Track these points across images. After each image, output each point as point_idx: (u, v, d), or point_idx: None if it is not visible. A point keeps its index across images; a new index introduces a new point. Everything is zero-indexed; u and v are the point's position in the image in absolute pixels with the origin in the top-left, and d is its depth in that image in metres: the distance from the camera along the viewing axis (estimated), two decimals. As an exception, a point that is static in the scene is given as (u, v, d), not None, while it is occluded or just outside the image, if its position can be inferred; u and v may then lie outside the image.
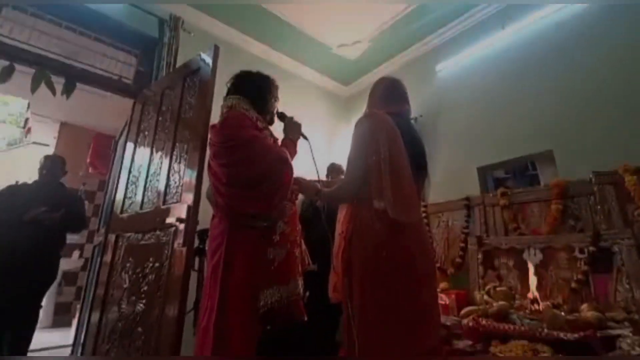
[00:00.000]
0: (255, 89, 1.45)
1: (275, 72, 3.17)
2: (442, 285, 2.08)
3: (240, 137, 1.22)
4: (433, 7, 2.65)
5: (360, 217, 1.07)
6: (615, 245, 1.59)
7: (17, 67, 2.02)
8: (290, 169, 1.26)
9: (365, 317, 0.96)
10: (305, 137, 1.49)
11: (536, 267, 1.80)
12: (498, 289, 1.76)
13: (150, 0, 2.41)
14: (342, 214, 1.25)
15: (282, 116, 1.52)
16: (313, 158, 1.42)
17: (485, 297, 1.73)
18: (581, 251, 1.69)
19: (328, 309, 1.49)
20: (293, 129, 1.46)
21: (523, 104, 2.29)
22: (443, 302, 1.84)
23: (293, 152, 1.40)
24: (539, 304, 1.53)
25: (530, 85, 2.28)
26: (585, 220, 1.78)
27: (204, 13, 2.68)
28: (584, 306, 1.43)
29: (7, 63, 1.99)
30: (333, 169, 2.89)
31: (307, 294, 1.39)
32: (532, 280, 1.68)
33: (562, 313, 1.40)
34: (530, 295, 1.61)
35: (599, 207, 1.71)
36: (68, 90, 2.10)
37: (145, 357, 1.35)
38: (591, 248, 1.65)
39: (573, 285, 1.64)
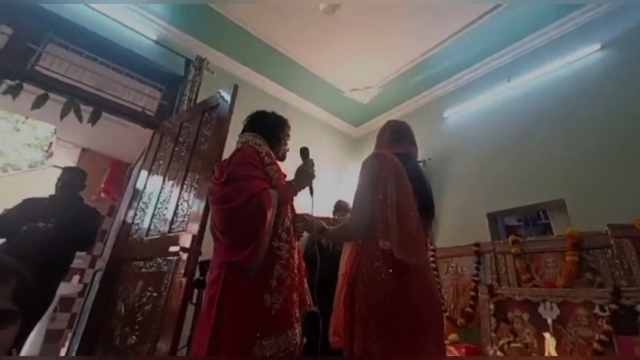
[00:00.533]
0: (269, 126, 1.47)
1: (289, 110, 3.36)
2: (452, 337, 1.95)
3: (235, 173, 1.17)
4: (442, 59, 2.81)
5: (365, 256, 1.04)
6: (639, 304, 1.49)
7: (50, 95, 2.18)
8: (264, 214, 1.12)
9: None
10: (311, 191, 1.37)
11: (553, 322, 1.68)
12: (512, 345, 1.63)
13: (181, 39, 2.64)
14: (346, 254, 1.22)
15: (304, 153, 1.44)
16: (312, 214, 1.35)
17: (499, 353, 1.60)
18: (602, 308, 1.58)
19: (329, 354, 1.39)
20: (304, 175, 1.35)
21: (534, 152, 2.31)
22: (452, 356, 1.71)
23: (289, 197, 1.30)
24: (557, 365, 1.40)
25: (540, 134, 2.31)
26: (604, 275, 1.69)
27: (227, 55, 2.90)
28: (609, 371, 1.31)
29: (42, 91, 2.16)
30: (340, 207, 2.88)
31: (305, 340, 1.30)
32: (549, 339, 1.56)
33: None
34: (547, 352, 1.49)
35: (617, 261, 1.64)
36: (94, 118, 2.23)
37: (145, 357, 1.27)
38: (612, 306, 1.54)
39: (595, 346, 1.51)
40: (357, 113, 3.62)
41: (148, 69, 2.52)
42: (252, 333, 1.04)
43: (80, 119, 2.24)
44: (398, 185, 1.07)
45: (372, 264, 1.01)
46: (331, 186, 3.34)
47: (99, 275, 2.22)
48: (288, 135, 1.53)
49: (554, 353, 1.50)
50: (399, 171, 1.11)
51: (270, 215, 1.14)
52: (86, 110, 2.27)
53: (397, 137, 1.33)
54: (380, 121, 3.63)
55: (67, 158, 4.60)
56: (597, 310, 1.60)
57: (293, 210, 1.39)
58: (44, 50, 2.18)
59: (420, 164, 2.90)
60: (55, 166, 4.93)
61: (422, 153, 2.96)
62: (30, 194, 2.38)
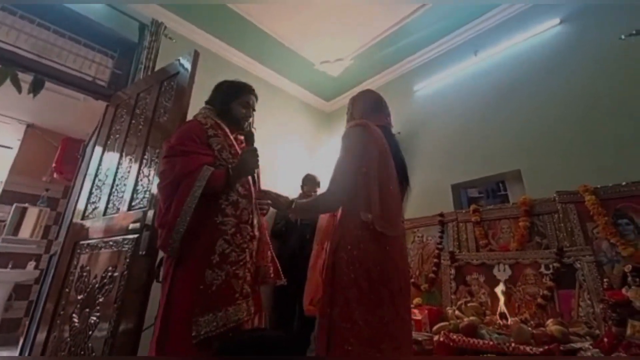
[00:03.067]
0: (219, 95, 1.41)
1: (258, 84, 3.17)
2: (416, 300, 2.07)
3: (173, 148, 1.19)
4: (410, 31, 2.79)
5: (347, 228, 1.04)
6: (577, 262, 1.66)
7: (-19, 62, 1.91)
8: (171, 191, 1.12)
9: (348, 328, 0.92)
10: (253, 181, 1.34)
11: (505, 282, 1.83)
12: (469, 304, 1.77)
13: (132, 0, 2.38)
14: (323, 224, 1.22)
15: (248, 138, 1.34)
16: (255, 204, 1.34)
17: (457, 312, 1.73)
18: (547, 267, 1.75)
19: (302, 324, 1.43)
20: (242, 164, 1.23)
21: (494, 125, 2.41)
22: (416, 318, 1.83)
23: (216, 185, 1.18)
24: (507, 319, 1.54)
25: (500, 108, 2.41)
26: (550, 238, 1.84)
27: (187, 21, 2.68)
28: (549, 321, 1.46)
29: (-31, 56, 1.89)
30: (308, 180, 2.88)
31: (264, 314, 1.31)
32: (501, 296, 1.70)
33: (529, 328, 1.42)
34: (498, 310, 1.63)
35: (562, 224, 1.79)
36: (36, 89, 2.00)
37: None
38: (556, 264, 1.71)
39: (539, 300, 1.67)
40: (328, 86, 3.55)
41: (96, 32, 2.27)
42: (191, 310, 1.04)
43: (19, 89, 2.01)
44: (382, 159, 1.07)
45: (354, 234, 1.01)
46: (303, 161, 3.32)
47: (54, 259, 2.09)
48: (244, 103, 1.43)
49: (503, 308, 1.64)
50: (383, 144, 1.11)
51: (188, 195, 1.10)
52: (26, 79, 2.03)
53: (377, 107, 1.31)
54: (352, 94, 3.59)
55: (11, 135, 4.16)
56: (542, 269, 1.76)
57: (256, 184, 1.36)
58: (-35, 7, 1.89)
59: (390, 138, 2.95)
60: (-4, 144, 4.45)
61: (394, 127, 3.00)
62: None
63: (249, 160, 1.24)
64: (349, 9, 2.58)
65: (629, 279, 1.30)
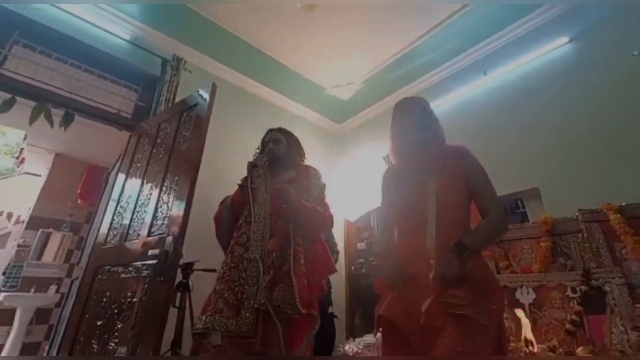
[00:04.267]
0: None
1: (271, 109, 3.34)
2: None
3: None
4: (420, 54, 2.87)
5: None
6: (607, 285, 1.57)
7: (18, 99, 2.08)
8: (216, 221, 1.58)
9: None
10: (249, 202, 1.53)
11: (530, 306, 1.75)
12: (492, 330, 1.69)
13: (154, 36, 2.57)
14: None
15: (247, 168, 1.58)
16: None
17: (480, 339, 1.65)
18: (573, 290, 1.66)
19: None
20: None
21: (509, 143, 2.39)
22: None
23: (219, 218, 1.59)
24: (533, 346, 1.46)
25: (513, 126, 2.40)
26: (575, 259, 1.76)
27: (204, 54, 2.85)
28: (580, 349, 1.38)
29: (8, 96, 2.06)
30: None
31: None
32: (525, 322, 1.62)
33: (558, 356, 1.34)
34: (522, 336, 1.55)
35: (587, 245, 1.72)
36: (66, 122, 2.15)
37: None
38: (583, 287, 1.62)
39: (567, 326, 1.58)
40: (340, 109, 3.64)
41: (122, 69, 2.45)
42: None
43: (51, 123, 2.16)
44: None
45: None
46: (315, 184, 3.35)
47: (76, 283, 2.15)
48: (265, 143, 1.74)
49: (529, 335, 1.56)
50: None
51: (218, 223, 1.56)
52: (57, 113, 2.19)
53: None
54: (363, 117, 3.67)
55: (40, 164, 4.41)
56: (569, 292, 1.67)
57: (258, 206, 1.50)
58: (9, 52, 2.08)
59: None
60: (27, 173, 4.72)
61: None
62: (3, 203, 2.27)
63: (244, 185, 1.51)
64: (357, 36, 2.70)
65: (664, 303, 1.22)
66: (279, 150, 1.67)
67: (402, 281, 1.06)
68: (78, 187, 3.97)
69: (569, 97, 2.17)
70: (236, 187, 1.60)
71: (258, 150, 1.72)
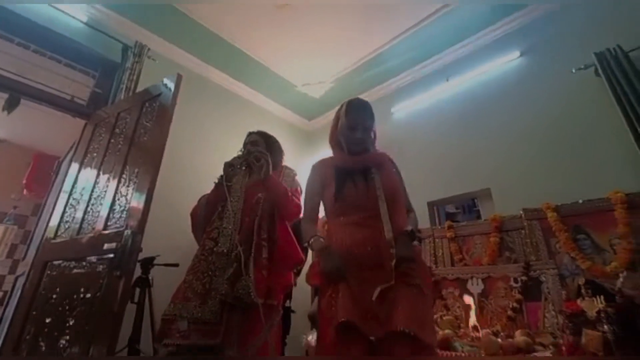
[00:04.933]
0: None
1: (240, 102, 3.29)
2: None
3: None
4: (387, 59, 2.97)
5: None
6: (543, 275, 1.76)
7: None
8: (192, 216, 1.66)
9: None
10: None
11: (478, 295, 1.91)
12: (445, 318, 1.82)
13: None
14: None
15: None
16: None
17: (433, 326, 1.78)
18: (515, 280, 1.84)
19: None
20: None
21: (466, 146, 2.56)
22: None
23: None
24: (478, 331, 1.60)
25: (471, 130, 2.57)
26: (518, 252, 1.95)
27: (169, 42, 2.73)
28: (517, 332, 1.54)
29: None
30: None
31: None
32: (472, 309, 1.77)
33: (499, 339, 1.48)
34: (471, 322, 1.69)
35: (528, 240, 1.90)
36: (10, 106, 1.98)
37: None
38: (523, 278, 1.80)
39: (509, 312, 1.75)
40: (310, 107, 3.66)
41: (77, 52, 2.28)
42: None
43: (-7, 106, 1.97)
44: None
45: None
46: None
47: (21, 280, 2.00)
48: (244, 145, 1.81)
49: (474, 320, 1.71)
50: None
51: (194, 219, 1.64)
52: (1, 96, 2.00)
53: None
54: (331, 115, 3.71)
55: (-21, 151, 3.98)
56: (512, 282, 1.85)
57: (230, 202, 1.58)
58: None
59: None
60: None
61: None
62: None
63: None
64: (329, 36, 2.73)
65: (583, 290, 1.40)
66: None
67: (351, 273, 1.06)
68: (24, 177, 3.65)
69: (517, 106, 2.37)
70: (202, 181, 1.74)
71: (240, 152, 1.72)
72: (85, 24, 2.31)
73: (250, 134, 1.88)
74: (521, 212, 1.98)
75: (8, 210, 3.84)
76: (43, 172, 3.43)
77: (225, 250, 1.41)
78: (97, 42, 2.33)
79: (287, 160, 2.06)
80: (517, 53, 2.46)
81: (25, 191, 3.62)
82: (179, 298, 1.37)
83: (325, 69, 3.15)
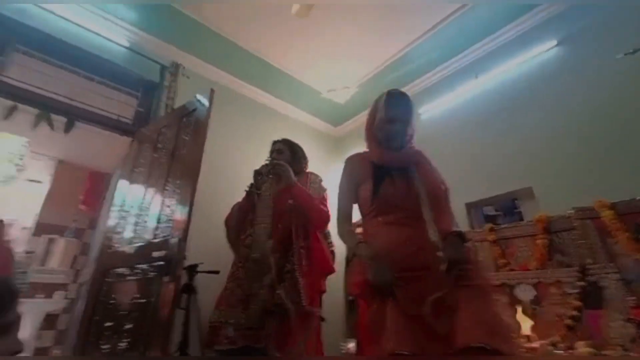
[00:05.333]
0: None
1: (267, 113, 3.37)
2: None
3: None
4: (412, 59, 2.90)
5: None
6: (603, 280, 1.60)
7: (20, 106, 2.12)
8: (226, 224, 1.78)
9: None
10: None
11: (530, 303, 1.78)
12: (491, 327, 1.71)
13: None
14: None
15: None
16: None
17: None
18: (572, 286, 1.69)
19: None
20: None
21: (502, 143, 2.42)
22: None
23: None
24: (532, 342, 1.49)
25: (506, 126, 2.43)
26: (572, 255, 1.79)
27: (202, 60, 2.89)
28: (580, 343, 1.41)
29: (11, 103, 2.10)
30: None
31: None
32: (523, 318, 1.65)
33: (560, 351, 1.37)
34: (522, 332, 1.58)
35: (581, 241, 1.75)
36: (67, 128, 2.19)
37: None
38: (581, 283, 1.65)
39: (567, 321, 1.61)
40: (336, 113, 3.67)
41: (121, 75, 2.48)
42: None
43: (52, 127, 2.19)
44: None
45: None
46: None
47: (84, 288, 2.19)
48: (270, 153, 1.89)
49: (528, 331, 1.59)
50: None
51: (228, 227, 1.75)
52: (59, 119, 2.23)
53: None
54: (359, 119, 3.70)
55: (42, 171, 4.44)
56: (567, 288, 1.70)
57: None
58: (7, 59, 2.11)
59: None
60: (30, 180, 4.75)
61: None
62: (4, 209, 2.31)
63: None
64: (351, 41, 2.73)
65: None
66: (282, 161, 1.79)
67: (398, 284, 0.93)
68: (81, 194, 4.01)
69: (558, 98, 2.20)
70: (236, 190, 1.81)
71: (267, 161, 1.80)
72: (126, 47, 2.51)
73: (274, 142, 1.94)
74: (571, 211, 1.82)
75: (68, 225, 4.23)
76: (97, 188, 3.76)
77: (259, 257, 1.47)
78: (137, 64, 2.53)
79: (315, 167, 2.09)
80: (553, 42, 2.30)
81: (82, 206, 3.98)
82: (223, 305, 1.45)
83: (349, 74, 3.15)
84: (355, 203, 1.23)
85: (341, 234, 1.21)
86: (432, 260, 0.94)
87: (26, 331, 3.06)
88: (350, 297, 2.64)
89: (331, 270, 1.60)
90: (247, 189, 1.70)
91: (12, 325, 0.61)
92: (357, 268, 1.09)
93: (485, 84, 2.65)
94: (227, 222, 1.76)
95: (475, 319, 0.81)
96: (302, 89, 3.29)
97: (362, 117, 3.67)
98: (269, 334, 1.35)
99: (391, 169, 1.15)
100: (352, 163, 1.27)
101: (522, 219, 2.63)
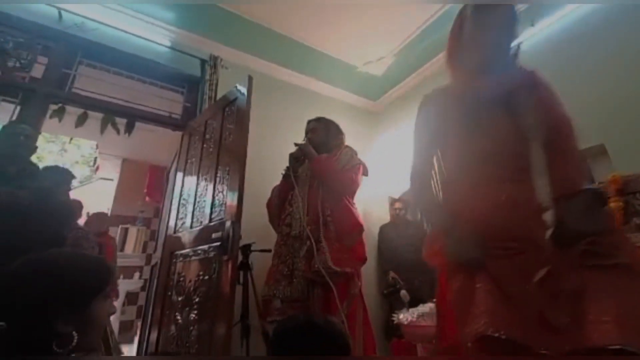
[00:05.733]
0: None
1: (305, 94, 3.38)
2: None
3: None
4: (452, 16, 2.65)
5: None
6: (691, 243, 1.41)
7: (89, 113, 2.39)
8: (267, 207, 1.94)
9: None
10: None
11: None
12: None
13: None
14: None
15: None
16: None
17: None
18: (652, 252, 1.51)
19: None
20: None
21: (567, 97, 2.16)
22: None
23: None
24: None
25: (570, 76, 2.15)
26: (652, 218, 1.59)
27: (238, 50, 2.96)
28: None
29: (81, 111, 2.38)
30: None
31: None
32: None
33: None
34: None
35: (665, 201, 1.54)
36: (129, 129, 2.43)
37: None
38: (663, 248, 1.46)
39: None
40: (374, 86, 3.55)
41: (167, 74, 2.66)
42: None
43: (117, 130, 2.45)
44: None
45: None
46: (356, 164, 3.36)
47: (155, 269, 2.48)
48: (306, 134, 1.95)
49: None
50: None
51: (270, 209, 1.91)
52: (120, 122, 2.48)
53: None
54: (398, 91, 3.55)
55: (111, 169, 5.02)
56: (646, 254, 1.53)
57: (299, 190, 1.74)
58: (76, 72, 2.38)
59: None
60: (102, 178, 5.40)
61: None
62: (85, 206, 2.71)
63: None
64: (382, 8, 2.59)
65: None
66: (317, 139, 1.86)
67: (491, 255, 0.71)
68: (144, 187, 4.47)
69: (631, 40, 1.88)
70: (278, 174, 1.92)
71: (303, 141, 1.85)
72: (168, 47, 2.66)
73: (308, 122, 2.00)
74: (651, 169, 1.60)
75: (137, 215, 4.77)
76: (158, 181, 4.15)
77: (297, 233, 1.57)
78: (180, 62, 2.68)
79: (356, 145, 2.08)
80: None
81: (147, 198, 4.45)
82: (271, 280, 1.58)
83: (384, 44, 3.01)
84: (434, 158, 0.95)
85: (415, 196, 0.95)
86: (542, 230, 0.69)
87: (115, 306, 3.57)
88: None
89: (359, 229, 1.62)
90: (283, 172, 1.82)
91: (109, 294, 0.76)
92: (434, 233, 0.89)
93: (543, 31, 2.34)
94: (269, 206, 1.90)
95: (615, 311, 0.59)
96: (337, 65, 3.23)
97: (401, 88, 3.56)
98: (314, 303, 1.46)
99: (488, 102, 0.85)
100: (431, 102, 0.96)
101: (593, 181, 2.38)
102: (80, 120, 2.38)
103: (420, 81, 3.26)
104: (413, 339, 1.64)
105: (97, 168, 5.23)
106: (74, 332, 0.61)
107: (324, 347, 0.74)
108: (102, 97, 2.42)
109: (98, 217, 2.97)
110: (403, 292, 2.39)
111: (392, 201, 3.20)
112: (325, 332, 0.77)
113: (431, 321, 1.69)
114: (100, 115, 2.42)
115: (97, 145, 4.80)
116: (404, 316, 1.76)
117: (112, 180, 5.00)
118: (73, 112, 2.39)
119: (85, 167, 6.71)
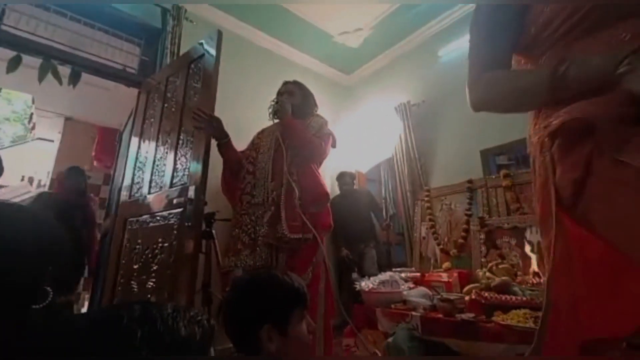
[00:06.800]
0: None
1: (274, 59, 3.22)
2: (445, 265, 2.12)
3: None
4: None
5: None
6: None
7: (23, 61, 2.05)
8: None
9: None
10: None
11: (537, 244, 1.82)
12: (500, 266, 1.78)
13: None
14: None
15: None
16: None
17: (488, 274, 1.75)
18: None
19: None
20: None
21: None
22: (446, 280, 1.88)
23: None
24: (540, 277, 1.56)
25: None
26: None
27: (204, 2, 2.69)
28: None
29: (13, 54, 2.02)
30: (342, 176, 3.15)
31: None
32: (532, 256, 1.71)
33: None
34: (531, 269, 1.64)
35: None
36: (74, 79, 2.13)
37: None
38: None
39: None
40: (348, 59, 3.48)
41: (122, 21, 2.35)
42: None
43: (60, 80, 2.14)
44: None
45: None
46: (325, 138, 3.33)
47: (107, 238, 2.30)
48: (279, 94, 1.83)
49: (537, 268, 1.65)
50: None
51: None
52: (64, 72, 2.16)
53: None
54: (372, 66, 3.53)
55: (51, 129, 4.46)
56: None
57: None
58: (5, 6, 2.00)
59: (415, 107, 2.89)
60: (40, 138, 4.79)
61: (417, 95, 2.93)
62: (18, 169, 2.38)
63: None
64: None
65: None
66: (292, 101, 1.76)
67: None
68: (92, 150, 4.05)
69: None
70: (246, 138, 1.85)
71: (273, 102, 1.73)
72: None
73: (285, 82, 1.89)
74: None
75: (83, 181, 4.33)
76: (108, 144, 3.77)
77: (261, 200, 1.54)
78: (138, 9, 2.38)
79: (327, 117, 2.05)
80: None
81: (95, 162, 4.04)
82: (231, 252, 1.53)
83: (363, 15, 2.93)
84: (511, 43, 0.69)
85: (493, 86, 0.70)
86: None
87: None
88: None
89: (326, 197, 1.62)
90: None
91: None
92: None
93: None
94: (224, 191, 1.81)
95: None
96: (312, 32, 3.09)
97: (376, 63, 3.53)
98: (279, 269, 1.43)
99: None
100: None
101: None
102: (12, 65, 2.03)
103: (396, 57, 3.26)
104: (373, 304, 1.74)
105: (33, 127, 4.62)
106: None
107: (282, 298, 0.81)
108: (40, 39, 2.08)
109: (75, 172, 2.67)
110: (354, 275, 2.69)
111: (358, 174, 3.28)
112: (282, 281, 0.83)
113: (390, 288, 1.80)
114: (37, 61, 2.08)
115: (33, 100, 4.20)
116: (365, 284, 1.84)
117: (52, 141, 4.46)
118: (3, 55, 2.04)
119: (18, 124, 5.90)
